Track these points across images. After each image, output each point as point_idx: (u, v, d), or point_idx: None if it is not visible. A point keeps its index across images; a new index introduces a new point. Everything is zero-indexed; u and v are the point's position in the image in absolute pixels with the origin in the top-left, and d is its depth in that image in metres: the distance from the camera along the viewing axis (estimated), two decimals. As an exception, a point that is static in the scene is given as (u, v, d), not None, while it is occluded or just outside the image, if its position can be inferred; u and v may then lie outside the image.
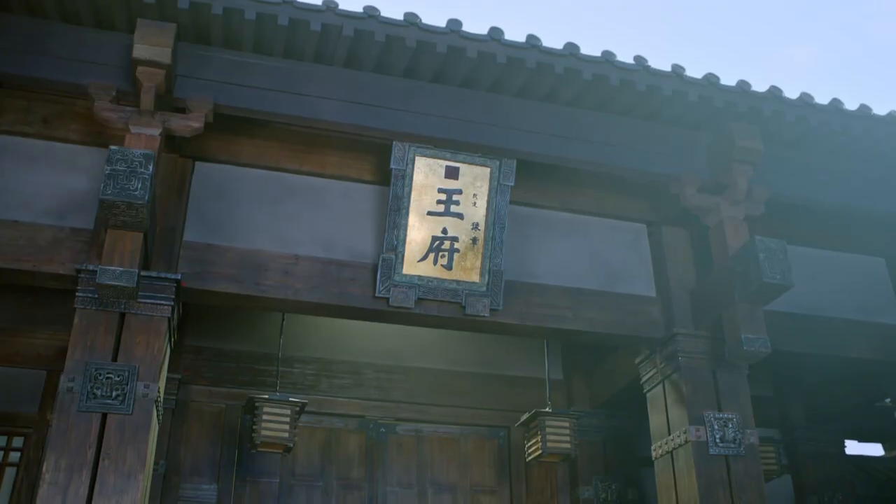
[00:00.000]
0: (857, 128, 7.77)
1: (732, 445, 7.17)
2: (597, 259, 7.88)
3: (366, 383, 9.17)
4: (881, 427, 9.57)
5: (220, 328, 8.91)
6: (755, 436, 7.34)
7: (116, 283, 5.91)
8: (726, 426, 7.22)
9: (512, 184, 7.25)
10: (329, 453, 8.91)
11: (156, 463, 7.95)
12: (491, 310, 7.18)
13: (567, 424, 7.97)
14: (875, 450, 12.56)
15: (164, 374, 6.74)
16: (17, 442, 8.14)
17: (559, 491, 9.24)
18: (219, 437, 8.52)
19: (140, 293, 6.29)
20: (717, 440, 7.15)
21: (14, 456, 8.11)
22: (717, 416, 7.24)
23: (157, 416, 6.50)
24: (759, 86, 7.46)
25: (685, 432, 7.19)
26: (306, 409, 8.44)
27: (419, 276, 7.09)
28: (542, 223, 7.84)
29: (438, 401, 9.25)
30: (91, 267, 6.17)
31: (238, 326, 8.94)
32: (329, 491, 8.72)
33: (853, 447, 11.63)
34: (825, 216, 8.34)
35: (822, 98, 7.65)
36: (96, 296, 6.15)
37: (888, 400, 9.20)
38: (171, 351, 7.98)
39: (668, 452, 7.43)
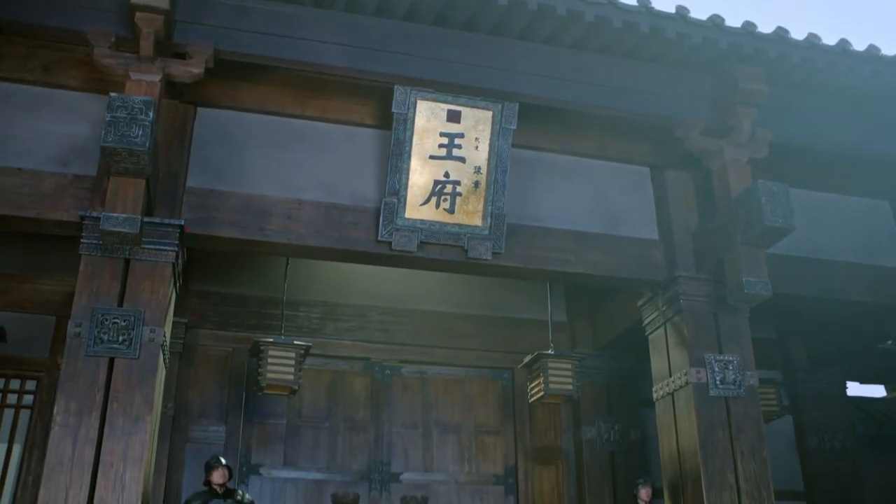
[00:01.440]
0: (865, 69, 7.69)
1: (732, 387, 7.26)
2: (600, 202, 7.90)
3: (371, 326, 9.30)
4: (883, 369, 9.66)
5: (226, 273, 9.01)
6: (755, 378, 7.43)
7: (120, 230, 5.98)
8: (726, 368, 7.30)
9: (514, 127, 7.23)
10: (335, 395, 9.09)
11: (164, 405, 8.15)
12: (493, 253, 7.23)
13: (569, 366, 8.07)
14: (876, 391, 12.71)
15: (170, 318, 6.85)
16: (30, 385, 8.30)
17: (562, 431, 9.42)
18: (226, 379, 8.68)
19: (144, 239, 6.37)
20: (718, 382, 7.24)
21: (28, 399, 8.28)
22: (717, 358, 7.32)
23: (164, 359, 6.63)
24: (765, 27, 7.36)
25: (686, 374, 7.28)
26: (312, 351, 8.58)
27: (421, 220, 7.13)
28: (545, 167, 7.84)
29: (443, 343, 9.38)
30: (95, 214, 6.22)
31: (244, 271, 9.03)
32: (335, 432, 8.91)
33: (854, 388, 11.80)
34: (830, 159, 8.31)
35: (829, 39, 7.57)
36: (101, 242, 6.22)
37: (889, 342, 9.25)
38: (178, 295, 8.09)
39: (668, 394, 7.54)
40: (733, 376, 7.30)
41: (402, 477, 9.21)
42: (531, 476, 9.15)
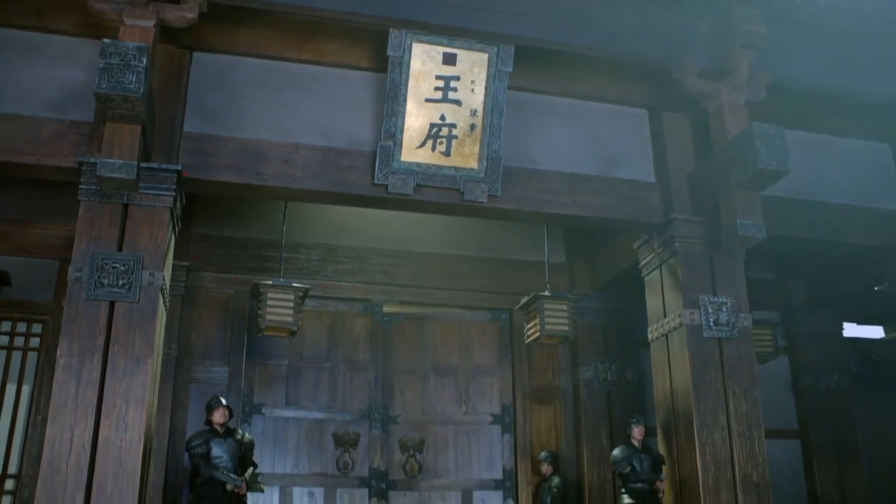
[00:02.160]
0: (867, 9, 7.62)
1: (726, 328, 7.36)
2: (597, 144, 7.91)
3: (370, 268, 9.41)
4: (880, 310, 9.75)
5: (228, 216, 9.10)
6: (749, 319, 7.52)
7: (116, 176, 6.06)
8: (720, 310, 7.39)
9: (510, 70, 7.22)
10: (335, 336, 9.26)
11: (168, 347, 8.33)
12: (489, 196, 7.29)
13: (565, 307, 8.18)
14: (874, 332, 12.80)
15: (170, 262, 6.97)
16: (37, 328, 8.47)
17: (560, 371, 9.58)
18: (228, 321, 8.84)
19: (142, 184, 6.45)
20: (711, 323, 7.34)
21: (35, 342, 8.46)
22: (711, 299, 7.40)
23: (164, 302, 6.77)
24: (764, -34, 7.31)
25: (680, 316, 7.38)
26: (313, 293, 8.76)
27: (417, 163, 7.18)
28: (542, 109, 7.84)
29: (442, 284, 9.49)
30: (92, 160, 6.28)
31: (245, 214, 9.12)
32: (336, 372, 9.10)
33: (852, 329, 11.88)
34: (830, 101, 8.25)
35: (829, -22, 7.49)
36: (99, 188, 6.31)
37: (886, 284, 9.31)
38: (178, 239, 8.20)
39: (663, 335, 7.65)
40: (727, 318, 7.39)
41: (399, 419, 9.47)
42: (529, 415, 9.34)
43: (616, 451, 7.62)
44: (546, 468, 8.86)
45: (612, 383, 9.43)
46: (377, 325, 9.36)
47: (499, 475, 9.23)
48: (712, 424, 7.12)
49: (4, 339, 8.38)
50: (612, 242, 9.35)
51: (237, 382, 8.72)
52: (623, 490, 7.47)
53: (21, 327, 8.47)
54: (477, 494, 9.29)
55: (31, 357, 8.41)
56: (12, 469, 8.05)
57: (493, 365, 9.63)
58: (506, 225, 9.29)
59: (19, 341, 8.44)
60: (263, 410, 8.80)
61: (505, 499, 9.15)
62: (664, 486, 7.38)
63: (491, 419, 9.50)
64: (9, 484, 8.02)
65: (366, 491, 8.76)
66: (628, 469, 7.39)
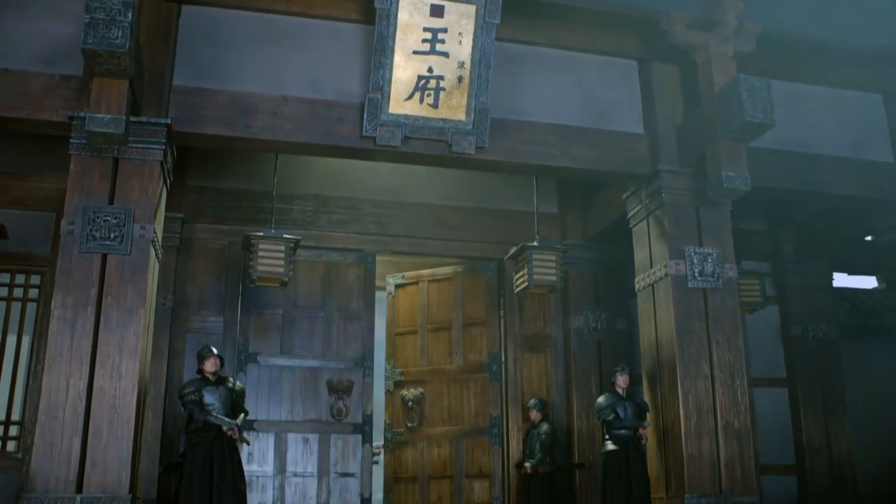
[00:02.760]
0: (858, -43, 7.62)
1: (711, 279, 7.49)
2: (586, 96, 7.95)
3: (363, 218, 9.52)
4: (871, 261, 9.84)
5: (222, 168, 9.18)
6: (734, 270, 7.64)
7: (105, 131, 6.16)
8: (706, 261, 7.51)
9: (497, 21, 7.24)
10: (329, 286, 9.39)
11: (163, 297, 8.51)
12: (477, 147, 7.37)
13: (553, 257, 8.30)
14: (867, 282, 12.91)
15: (161, 214, 7.11)
16: (35, 280, 8.62)
17: (551, 320, 9.73)
18: (223, 272, 8.98)
19: (131, 138, 6.57)
20: (696, 274, 7.47)
21: (34, 293, 8.63)
22: (697, 250, 7.52)
23: (157, 254, 6.92)
24: (754, -85, 7.29)
25: (665, 266, 7.50)
26: (307, 243, 8.94)
27: (405, 115, 7.25)
28: (532, 61, 7.87)
29: (434, 234, 9.59)
30: (82, 114, 6.38)
31: (239, 166, 9.19)
32: (330, 321, 9.27)
33: (843, 280, 11.98)
34: (821, 52, 8.26)
35: (819, -73, 7.47)
36: (89, 142, 6.43)
37: (868, 238, 9.37)
38: (174, 191, 8.35)
39: (649, 285, 7.78)
40: (712, 268, 7.51)
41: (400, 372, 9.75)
42: (520, 363, 9.51)
43: (600, 399, 7.80)
44: (535, 415, 9.06)
45: (603, 332, 9.58)
46: (370, 274, 9.50)
47: (488, 423, 9.45)
48: (695, 373, 7.28)
49: (4, 291, 8.54)
50: (603, 193, 9.41)
51: (232, 332, 8.91)
52: (607, 437, 7.66)
53: (20, 279, 8.63)
54: (468, 442, 9.54)
55: (31, 308, 8.58)
56: (16, 416, 8.28)
57: (485, 315, 9.79)
58: (498, 176, 9.37)
59: (18, 293, 8.60)
60: (259, 359, 8.99)
61: (494, 445, 9.39)
62: (647, 433, 7.57)
63: (480, 367, 9.70)
64: (13, 430, 8.27)
65: (359, 437, 8.99)
66: (612, 416, 7.57)
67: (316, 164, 9.26)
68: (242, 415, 6.96)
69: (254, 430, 8.78)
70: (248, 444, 7.53)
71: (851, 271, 11.49)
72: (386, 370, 10.26)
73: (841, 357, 10.16)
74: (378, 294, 10.20)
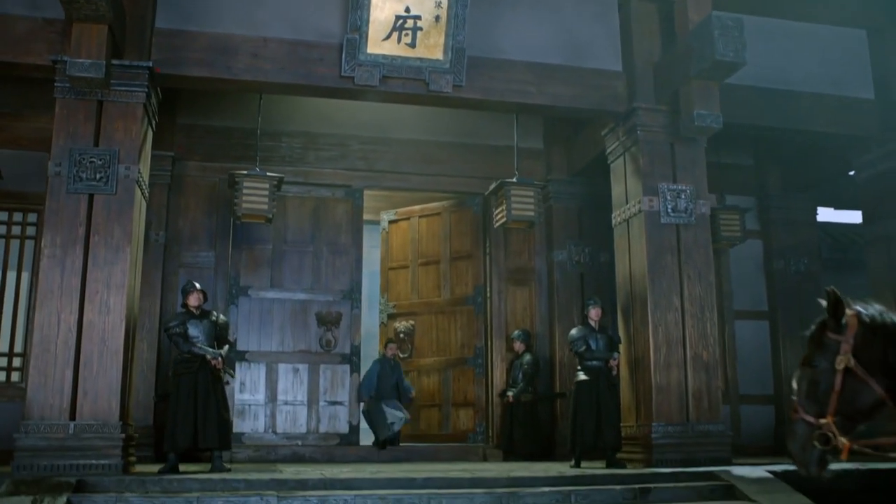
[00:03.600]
0: None
1: (683, 215, 7.72)
2: (565, 33, 8.09)
3: (351, 155, 9.78)
4: (856, 196, 9.95)
5: (212, 106, 9.40)
6: (707, 206, 7.87)
7: (86, 75, 6.43)
8: (679, 197, 7.73)
9: (474, -39, 7.40)
10: (318, 221, 9.70)
11: (156, 234, 8.87)
12: (454, 86, 7.57)
13: (531, 193, 8.51)
14: (853, 217, 13.00)
15: (147, 154, 7.39)
16: (32, 218, 8.94)
17: (536, 254, 10.02)
18: (214, 208, 9.29)
19: (114, 81, 6.83)
20: (669, 210, 7.70)
21: (31, 231, 8.97)
22: (670, 187, 7.74)
23: (143, 193, 7.23)
24: None
25: (639, 202, 7.74)
26: (295, 179, 9.30)
27: (383, 55, 7.44)
28: (511, -1, 8.02)
29: (420, 170, 9.84)
30: (65, 58, 6.61)
31: (228, 104, 9.40)
32: (319, 255, 9.60)
33: (828, 214, 12.12)
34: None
35: None
36: (72, 86, 6.69)
37: (852, 173, 9.48)
38: (164, 130, 8.67)
39: (624, 221, 8.03)
40: (685, 205, 7.74)
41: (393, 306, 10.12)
42: (504, 296, 9.83)
43: (573, 331, 8.09)
44: (518, 346, 9.40)
45: (585, 265, 9.84)
46: (358, 208, 9.77)
47: (473, 354, 9.84)
48: (666, 306, 7.58)
49: (3, 229, 8.88)
50: (587, 129, 9.56)
51: (224, 266, 9.26)
52: (579, 367, 7.98)
53: (17, 217, 8.96)
54: (454, 372, 9.94)
55: (29, 245, 8.91)
56: (18, 348, 8.71)
57: (471, 249, 10.10)
58: (483, 112, 9.49)
59: (17, 231, 8.94)
60: (250, 292, 9.36)
61: (478, 375, 9.78)
62: (617, 365, 7.89)
63: (467, 301, 10.04)
64: (16, 361, 8.71)
65: (347, 367, 9.40)
66: (584, 348, 7.87)
67: (304, 102, 9.45)
68: (226, 346, 7.31)
69: (245, 360, 9.22)
70: (231, 377, 7.92)
71: (838, 206, 11.62)
72: (380, 303, 10.64)
73: (822, 291, 10.35)
74: (373, 229, 10.50)
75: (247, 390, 9.18)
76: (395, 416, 9.10)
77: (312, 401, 9.29)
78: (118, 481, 6.05)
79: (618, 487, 6.47)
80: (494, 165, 9.64)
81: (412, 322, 10.12)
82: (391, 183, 9.92)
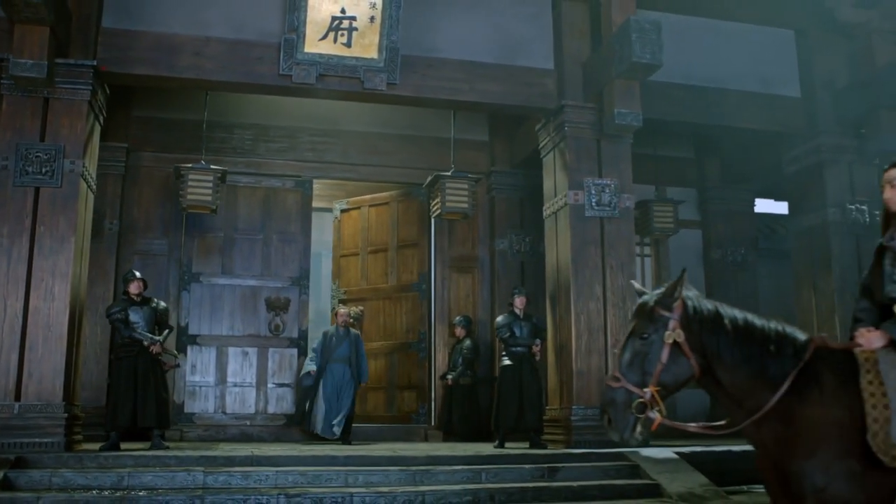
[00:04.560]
0: None
1: (607, 208, 8.19)
2: (498, 33, 8.53)
3: (301, 146, 10.23)
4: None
5: (166, 100, 9.79)
6: (631, 200, 8.34)
7: (28, 75, 6.87)
8: (603, 191, 8.20)
9: (408, -36, 7.84)
10: (269, 210, 10.15)
11: (110, 223, 9.34)
12: (388, 84, 8.02)
13: (465, 186, 8.96)
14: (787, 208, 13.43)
15: (95, 149, 7.85)
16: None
17: (479, 242, 10.50)
18: (167, 198, 9.71)
19: (60, 79, 7.28)
20: (594, 203, 8.16)
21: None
22: (595, 181, 8.20)
23: (89, 186, 7.69)
24: None
25: (565, 196, 8.21)
26: (247, 170, 9.73)
27: (320, 54, 7.89)
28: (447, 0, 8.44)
29: (368, 161, 10.29)
30: (8, 56, 7.04)
31: (182, 98, 9.75)
32: (269, 243, 10.07)
33: (767, 205, 12.55)
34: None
35: None
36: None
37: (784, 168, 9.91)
38: (119, 122, 9.18)
39: (553, 213, 8.50)
40: (609, 199, 8.20)
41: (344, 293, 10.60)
42: (448, 283, 10.31)
43: (499, 318, 8.55)
44: (460, 331, 9.85)
45: (526, 254, 10.31)
46: (307, 198, 10.23)
47: (417, 338, 10.33)
48: (588, 295, 8.07)
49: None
50: (527, 123, 9.93)
51: (177, 254, 9.73)
52: (504, 353, 8.46)
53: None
54: (399, 355, 10.43)
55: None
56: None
57: (417, 237, 10.57)
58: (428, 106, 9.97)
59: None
60: (201, 279, 9.83)
61: (421, 359, 10.28)
62: (538, 351, 8.38)
63: (412, 288, 10.53)
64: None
65: (295, 351, 9.89)
66: (508, 334, 8.34)
67: (255, 96, 9.82)
68: (166, 331, 7.80)
69: (197, 344, 9.70)
70: (176, 360, 8.38)
71: (776, 197, 12.07)
72: (332, 289, 11.14)
73: (757, 279, 10.89)
74: (327, 217, 10.96)
75: (198, 372, 9.67)
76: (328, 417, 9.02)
77: (261, 383, 9.79)
78: (57, 458, 6.55)
79: (527, 466, 7.00)
80: (439, 157, 10.04)
81: (361, 307, 10.61)
82: (340, 174, 10.39)
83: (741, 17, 9.21)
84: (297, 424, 9.52)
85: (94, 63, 7.42)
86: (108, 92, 7.95)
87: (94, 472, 6.31)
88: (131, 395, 7.35)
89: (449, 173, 9.03)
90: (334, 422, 8.92)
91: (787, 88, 9.27)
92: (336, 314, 9.44)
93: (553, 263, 8.49)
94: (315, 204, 11.25)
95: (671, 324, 3.34)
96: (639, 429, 3.31)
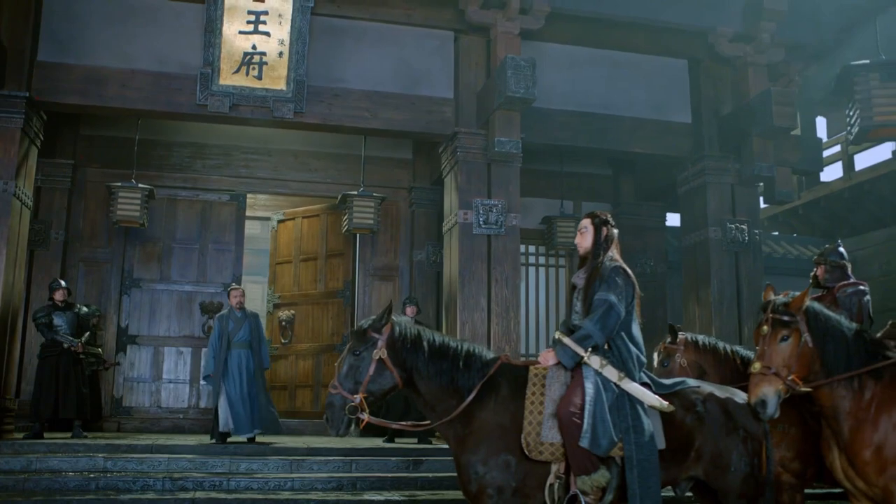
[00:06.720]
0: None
1: (494, 227, 9.20)
2: (402, 65, 9.58)
3: (235, 163, 11.38)
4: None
5: (112, 120, 10.85)
6: (517, 219, 9.33)
7: (-41, 107, 8.06)
8: (490, 211, 9.21)
9: (312, 5, 8.97)
10: (205, 222, 11.30)
11: (56, 233, 10.52)
12: (295, 112, 9.11)
13: (372, 204, 10.05)
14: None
15: (31, 170, 9.05)
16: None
17: (400, 253, 11.59)
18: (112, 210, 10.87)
19: (-6, 109, 8.47)
20: (481, 222, 9.18)
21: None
22: (484, 202, 9.21)
23: (25, 203, 8.85)
24: None
25: (456, 215, 9.24)
26: (185, 185, 10.89)
27: (234, 86, 8.99)
28: (354, 34, 9.50)
29: (298, 177, 11.44)
30: (-57, 90, 8.24)
31: (124, 119, 10.74)
32: (205, 252, 11.21)
33: (675, 220, 13.51)
34: (625, 26, 9.73)
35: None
36: (-46, 113, 8.34)
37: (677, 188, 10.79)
38: (67, 140, 10.50)
39: (448, 230, 9.55)
40: (496, 218, 9.22)
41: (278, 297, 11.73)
42: (370, 290, 11.40)
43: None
44: (374, 334, 10.86)
45: (441, 265, 11.27)
46: (241, 211, 11.37)
47: (341, 341, 11.41)
48: (473, 306, 9.10)
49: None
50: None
51: (119, 261, 10.90)
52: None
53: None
54: (325, 356, 11.53)
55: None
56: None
57: (343, 248, 11.66)
58: (356, 126, 11.06)
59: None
60: (141, 284, 10.99)
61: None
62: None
63: (338, 294, 11.62)
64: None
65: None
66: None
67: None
68: (87, 333, 8.98)
69: (136, 343, 10.88)
70: (117, 363, 9.57)
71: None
72: (268, 294, 12.28)
73: (666, 291, 11.86)
74: (264, 227, 12.07)
75: (136, 370, 10.84)
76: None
77: (194, 380, 10.94)
78: (-24, 444, 7.76)
79: (394, 458, 8.10)
80: (367, 173, 11.10)
81: (293, 311, 11.73)
82: (272, 189, 11.56)
83: (638, 48, 10.14)
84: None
85: (27, 94, 8.57)
86: (44, 118, 9.11)
87: (7, 457, 7.48)
88: (53, 390, 8.54)
89: (356, 193, 10.11)
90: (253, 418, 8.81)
91: (679, 115, 10.22)
92: (229, 294, 9.24)
93: (447, 276, 9.54)
94: (259, 213, 12.39)
95: (379, 343, 4.41)
96: (352, 427, 4.40)
